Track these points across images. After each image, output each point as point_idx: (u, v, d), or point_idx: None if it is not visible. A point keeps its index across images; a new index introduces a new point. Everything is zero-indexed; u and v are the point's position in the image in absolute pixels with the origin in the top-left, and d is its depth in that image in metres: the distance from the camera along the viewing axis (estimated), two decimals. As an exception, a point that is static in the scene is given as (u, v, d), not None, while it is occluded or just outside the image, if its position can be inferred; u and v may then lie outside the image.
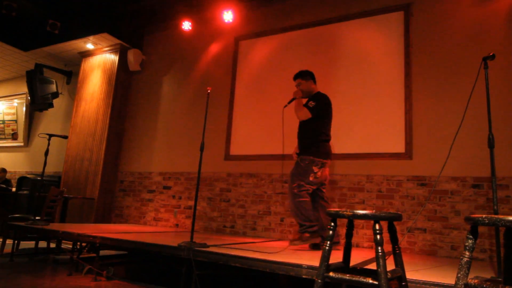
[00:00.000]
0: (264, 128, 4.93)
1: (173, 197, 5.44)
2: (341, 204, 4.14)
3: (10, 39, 6.42)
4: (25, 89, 7.64)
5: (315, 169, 3.45)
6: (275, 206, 4.60)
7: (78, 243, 3.93)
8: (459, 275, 1.87)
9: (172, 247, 2.91)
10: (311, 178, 3.45)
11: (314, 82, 3.75)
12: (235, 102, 5.26)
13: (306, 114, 3.50)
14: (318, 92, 3.67)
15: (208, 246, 2.92)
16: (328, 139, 3.58)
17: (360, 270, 2.31)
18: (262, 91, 5.08)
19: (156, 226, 5.46)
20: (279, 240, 4.33)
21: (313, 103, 3.53)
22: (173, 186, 5.50)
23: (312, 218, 3.40)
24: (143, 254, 4.05)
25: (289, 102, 3.72)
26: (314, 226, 3.39)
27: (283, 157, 4.59)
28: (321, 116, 3.53)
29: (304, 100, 3.66)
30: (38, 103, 6.71)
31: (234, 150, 5.12)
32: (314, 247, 3.42)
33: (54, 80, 6.89)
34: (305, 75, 3.73)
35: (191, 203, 5.25)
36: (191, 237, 2.94)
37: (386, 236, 1.94)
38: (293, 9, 5.09)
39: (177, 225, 5.32)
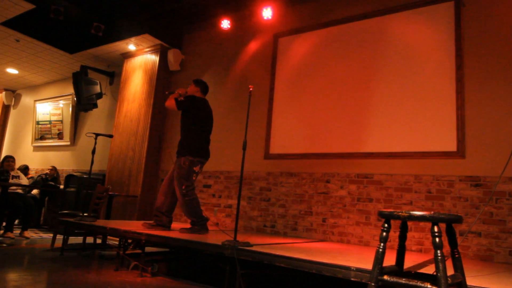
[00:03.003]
0: (304, 127, 4.85)
1: (213, 195, 5.47)
2: (387, 205, 3.98)
3: (57, 42, 6.71)
4: (70, 90, 7.99)
5: (196, 169, 3.87)
6: (317, 206, 4.50)
7: (124, 239, 4.02)
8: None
9: (216, 246, 2.90)
10: (194, 178, 3.88)
11: (202, 93, 4.18)
12: (275, 100, 5.21)
13: (172, 105, 3.94)
14: (199, 97, 4.07)
15: (252, 245, 2.89)
16: (206, 141, 4.02)
17: (415, 274, 2.20)
18: (302, 89, 4.99)
19: (196, 224, 5.50)
20: (321, 241, 4.24)
21: (182, 99, 3.98)
22: (213, 184, 5.53)
23: (200, 214, 3.85)
24: (186, 252, 4.08)
25: (169, 93, 4.17)
26: (203, 220, 3.84)
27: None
28: (190, 114, 3.94)
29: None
30: (83, 104, 6.98)
31: (274, 149, 5.07)
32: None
33: (98, 81, 7.14)
34: (198, 83, 4.20)
35: (231, 202, 5.25)
36: (235, 236, 2.92)
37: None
38: (334, 3, 4.97)
39: (217, 223, 5.34)
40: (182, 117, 4.06)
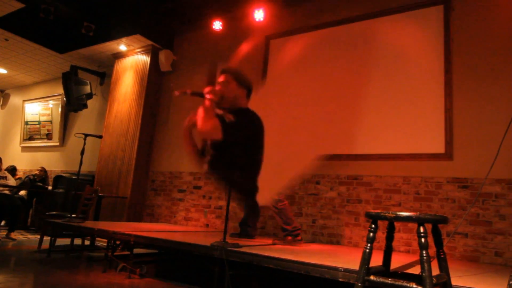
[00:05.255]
0: (294, 129, 4.85)
1: (203, 197, 5.45)
2: (376, 206, 4.01)
3: (47, 42, 6.65)
4: (60, 90, 7.90)
5: None
6: (307, 207, 4.51)
7: (112, 241, 3.99)
8: (511, 282, 1.75)
9: (205, 247, 2.89)
10: None
11: (247, 96, 2.84)
12: (266, 102, 5.20)
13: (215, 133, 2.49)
14: (247, 108, 2.67)
15: (241, 246, 2.88)
16: None
17: (401, 275, 2.21)
18: (293, 91, 5.00)
19: (187, 225, 5.48)
20: (311, 242, 4.25)
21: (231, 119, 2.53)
22: (203, 186, 5.51)
23: (294, 223, 3.60)
24: (174, 253, 4.06)
25: (192, 94, 2.57)
26: (298, 230, 3.60)
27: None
28: None
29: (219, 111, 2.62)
30: (73, 104, 6.92)
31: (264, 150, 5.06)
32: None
33: (88, 82, 7.08)
34: (240, 78, 2.74)
35: (221, 203, 5.24)
36: (224, 237, 2.91)
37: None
38: (326, 5, 4.99)
39: (207, 225, 5.32)
40: None
